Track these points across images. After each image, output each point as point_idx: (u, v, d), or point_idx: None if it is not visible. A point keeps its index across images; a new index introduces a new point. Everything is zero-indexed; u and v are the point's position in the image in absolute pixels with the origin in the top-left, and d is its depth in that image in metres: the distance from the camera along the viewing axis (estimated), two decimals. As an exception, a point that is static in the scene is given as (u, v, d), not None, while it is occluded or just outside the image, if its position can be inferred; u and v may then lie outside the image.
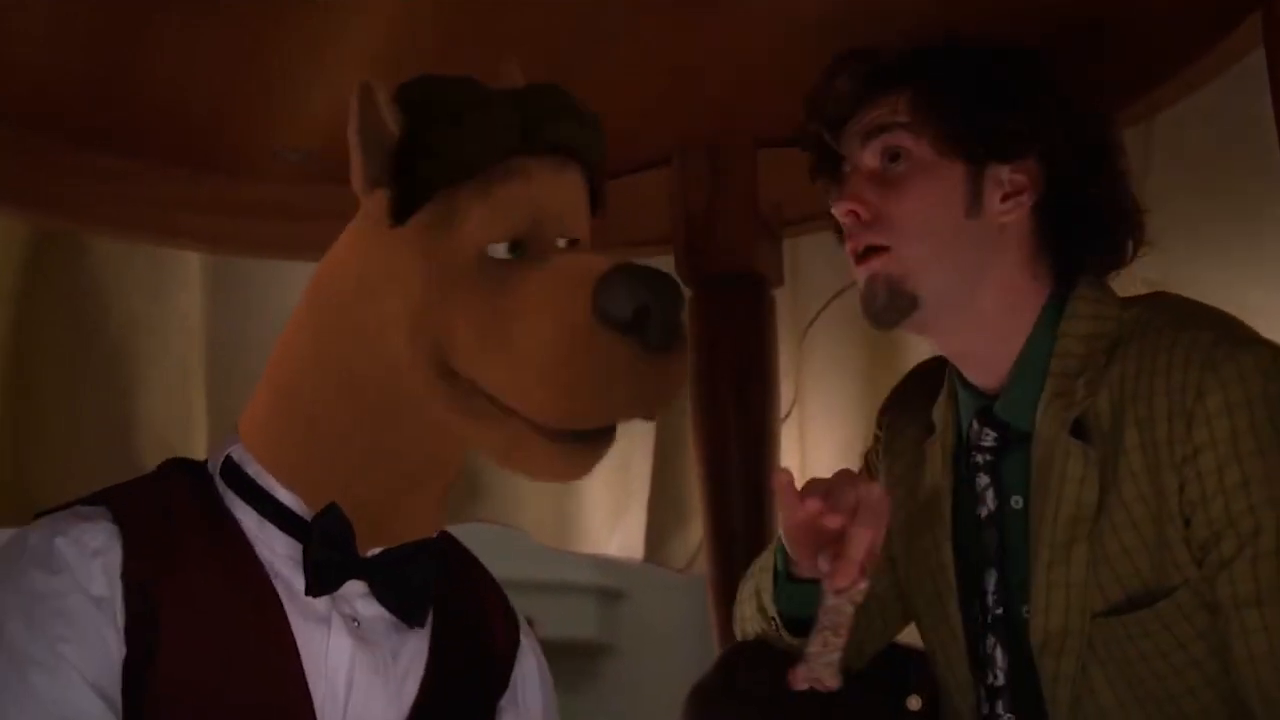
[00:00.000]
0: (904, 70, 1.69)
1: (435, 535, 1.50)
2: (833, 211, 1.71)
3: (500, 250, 1.38)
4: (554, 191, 1.43)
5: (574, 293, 1.31)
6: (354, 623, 1.44)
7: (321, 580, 1.43)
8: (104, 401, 2.57)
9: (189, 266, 2.68)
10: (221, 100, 2.06)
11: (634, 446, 2.96)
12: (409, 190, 1.38)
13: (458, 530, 1.61)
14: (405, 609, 1.47)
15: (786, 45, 1.91)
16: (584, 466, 1.36)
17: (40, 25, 1.86)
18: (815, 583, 1.66)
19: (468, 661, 1.54)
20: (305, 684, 1.41)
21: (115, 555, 1.39)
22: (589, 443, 1.34)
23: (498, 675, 1.58)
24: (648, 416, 1.34)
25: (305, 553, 1.43)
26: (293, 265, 2.51)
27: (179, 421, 2.61)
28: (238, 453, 1.48)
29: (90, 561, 1.38)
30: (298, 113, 2.08)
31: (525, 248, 1.39)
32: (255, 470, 1.46)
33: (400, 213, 1.38)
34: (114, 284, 2.59)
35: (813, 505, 1.52)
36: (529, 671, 1.60)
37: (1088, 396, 1.62)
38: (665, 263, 2.49)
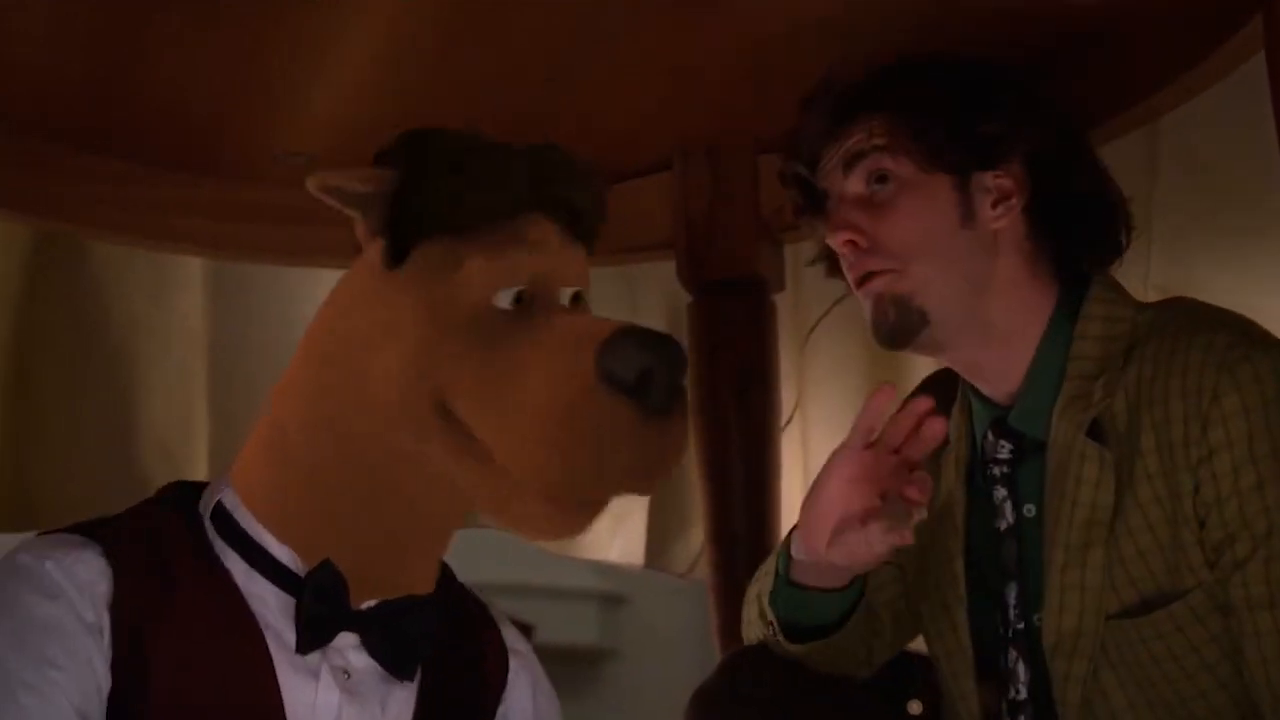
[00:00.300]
0: (872, 94, 1.70)
1: (434, 588, 1.49)
2: (829, 243, 1.71)
3: (504, 301, 1.38)
4: (561, 248, 1.45)
5: (578, 352, 1.31)
6: (344, 675, 1.43)
7: (313, 636, 1.42)
8: (104, 404, 2.56)
9: (190, 270, 2.68)
10: (222, 103, 2.06)
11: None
12: (403, 234, 1.39)
13: (461, 536, 1.60)
14: (397, 663, 1.45)
15: (788, 49, 1.91)
16: (577, 529, 1.36)
17: (40, 28, 1.86)
18: (814, 590, 1.66)
19: (458, 706, 1.53)
20: None
21: (105, 590, 1.38)
22: (587, 507, 1.34)
23: (488, 712, 1.57)
24: (645, 488, 1.33)
25: (297, 609, 1.42)
26: (294, 269, 2.51)
27: (179, 425, 2.61)
28: (229, 499, 1.46)
29: (81, 592, 1.37)
30: (298, 116, 2.08)
31: (530, 302, 1.39)
32: (247, 520, 1.45)
33: (394, 256, 1.39)
34: (115, 287, 2.59)
35: (924, 403, 1.57)
36: (518, 691, 1.59)
37: (1105, 398, 1.62)
38: (666, 268, 2.49)
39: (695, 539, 2.85)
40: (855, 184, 1.69)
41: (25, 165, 2.15)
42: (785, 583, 1.70)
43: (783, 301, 2.47)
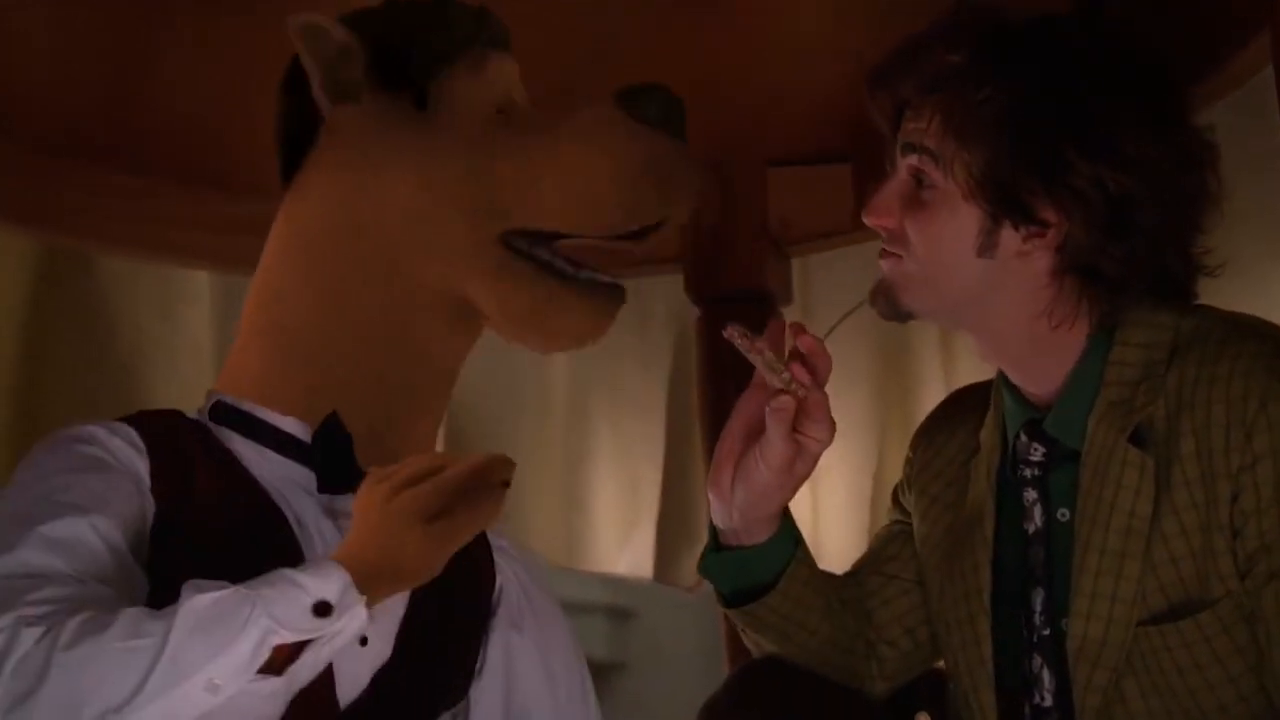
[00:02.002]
0: (940, 88, 1.64)
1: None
2: (864, 217, 1.69)
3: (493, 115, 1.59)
4: (513, 69, 1.65)
5: (601, 112, 1.55)
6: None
7: (329, 480, 1.51)
8: (112, 417, 2.56)
9: (197, 284, 2.68)
10: (229, 118, 2.06)
11: (643, 465, 2.96)
12: (424, 74, 1.58)
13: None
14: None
15: (797, 65, 1.91)
16: (605, 320, 1.59)
17: (49, 44, 1.87)
18: (740, 548, 1.68)
19: (453, 593, 1.56)
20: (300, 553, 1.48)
21: (144, 453, 1.49)
22: (614, 295, 1.61)
23: (483, 603, 1.63)
24: (695, 203, 1.57)
25: (311, 453, 1.51)
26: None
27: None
28: (226, 399, 1.57)
29: (124, 445, 1.49)
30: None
31: (509, 112, 1.61)
32: (250, 406, 1.55)
33: (421, 99, 1.58)
34: (123, 302, 2.59)
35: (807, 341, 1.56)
36: (510, 585, 1.66)
37: (1148, 404, 1.60)
38: (675, 281, 2.49)
39: (703, 553, 2.86)
40: (904, 170, 1.67)
41: (33, 180, 2.16)
42: (714, 550, 1.70)
43: (791, 314, 2.47)
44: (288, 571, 1.31)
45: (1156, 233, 1.59)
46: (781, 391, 1.54)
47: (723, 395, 2.40)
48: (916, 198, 1.64)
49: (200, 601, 1.27)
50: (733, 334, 1.53)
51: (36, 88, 1.99)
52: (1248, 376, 1.54)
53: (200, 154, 2.16)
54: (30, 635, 1.26)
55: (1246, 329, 1.60)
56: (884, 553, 1.83)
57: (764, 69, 1.96)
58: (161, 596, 1.36)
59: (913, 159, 1.64)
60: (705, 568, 1.73)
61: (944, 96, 1.61)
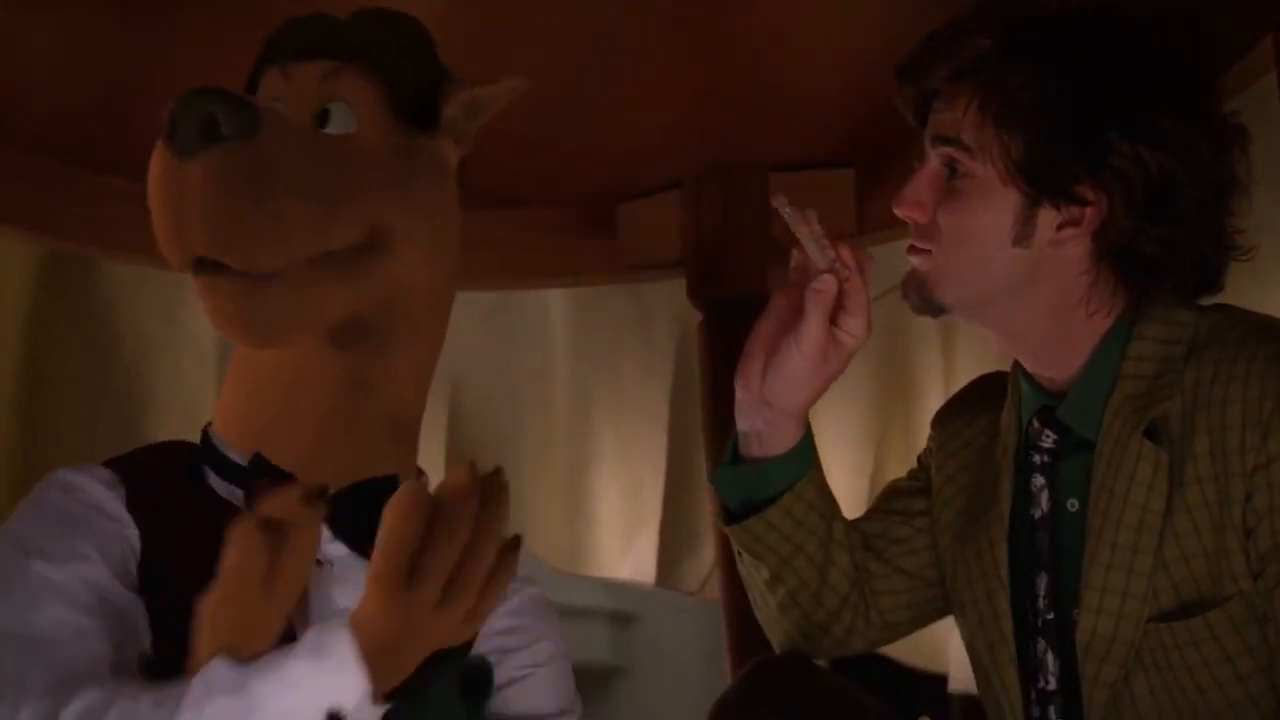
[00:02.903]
0: (973, 75, 1.64)
1: (395, 474, 1.53)
2: (894, 209, 1.69)
3: None
4: (292, 75, 1.54)
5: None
6: (320, 565, 1.48)
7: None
8: (117, 425, 2.57)
9: (201, 290, 2.68)
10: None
11: (645, 470, 2.96)
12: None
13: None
14: (364, 544, 1.48)
15: (799, 70, 1.92)
16: (221, 301, 1.43)
17: (52, 50, 1.87)
18: (760, 460, 1.68)
19: None
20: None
21: (121, 494, 1.48)
22: (205, 273, 1.41)
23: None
24: (200, 237, 1.38)
25: (244, 500, 1.49)
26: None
27: (191, 444, 2.61)
28: (211, 429, 1.57)
29: (104, 490, 1.48)
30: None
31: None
32: (216, 438, 1.54)
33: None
34: (127, 308, 2.60)
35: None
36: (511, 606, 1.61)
37: (1164, 399, 1.60)
38: (677, 286, 2.50)
39: (706, 557, 2.86)
40: (935, 161, 1.67)
41: (37, 185, 2.16)
42: (731, 460, 1.70)
43: (794, 319, 2.47)
44: (304, 665, 1.26)
45: (1193, 214, 1.60)
46: (823, 273, 1.54)
47: (726, 399, 2.40)
48: (950, 187, 1.64)
49: (212, 676, 1.27)
50: (781, 203, 1.52)
51: (40, 92, 2.00)
52: (1264, 378, 1.55)
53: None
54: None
55: (1265, 330, 1.60)
56: (909, 505, 1.84)
57: (766, 74, 1.96)
58: (156, 619, 1.41)
59: (945, 149, 1.64)
60: (719, 479, 1.73)
61: (979, 82, 1.62)
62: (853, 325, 1.57)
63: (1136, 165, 1.58)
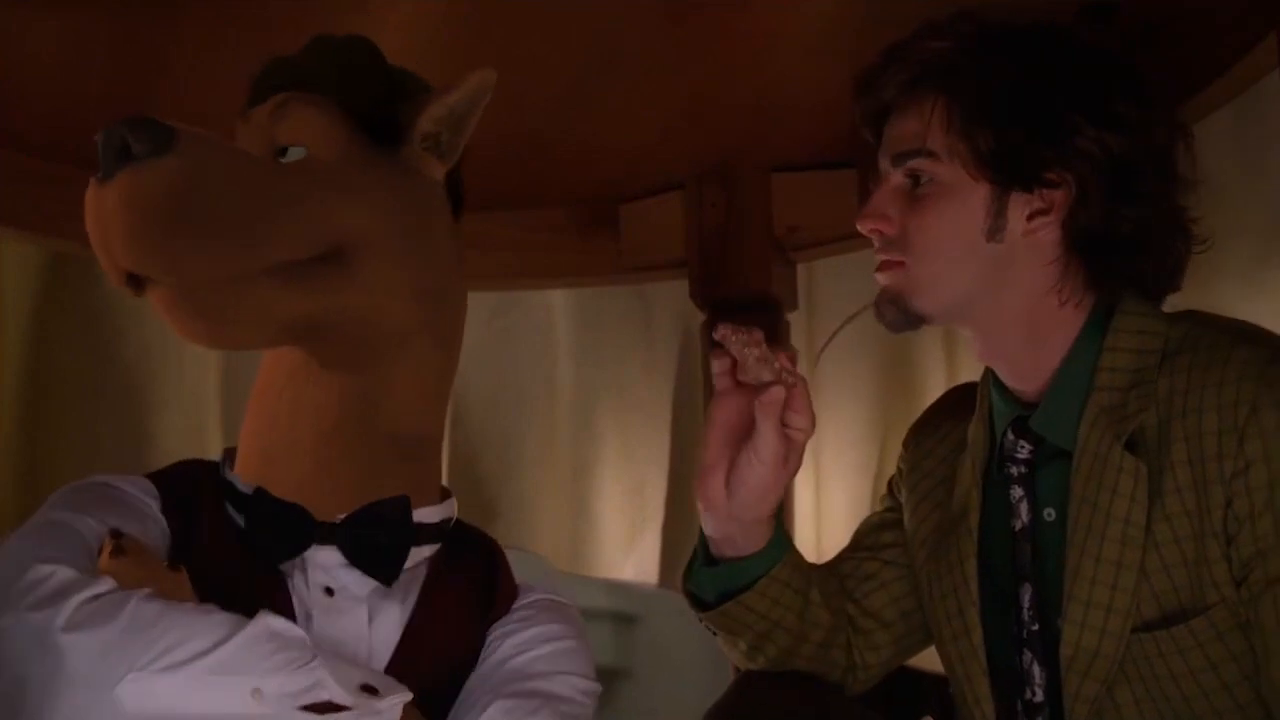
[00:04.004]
0: (935, 76, 1.67)
1: (418, 496, 1.55)
2: (858, 226, 1.70)
3: None
4: (252, 119, 1.58)
5: None
6: (326, 592, 1.49)
7: (271, 553, 1.50)
8: (119, 427, 2.57)
9: (204, 294, 2.68)
10: (236, 127, 2.06)
11: (648, 471, 2.96)
12: None
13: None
14: (375, 566, 1.51)
15: (801, 71, 1.92)
16: (163, 309, 1.45)
17: (55, 52, 1.87)
18: (733, 560, 1.68)
19: (455, 628, 1.56)
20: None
21: (158, 501, 1.52)
22: (134, 286, 1.45)
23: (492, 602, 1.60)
24: (126, 253, 1.41)
25: (249, 532, 1.51)
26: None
27: (193, 445, 2.62)
28: (230, 459, 1.58)
29: (142, 494, 1.51)
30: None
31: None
32: (229, 472, 1.56)
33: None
34: (129, 310, 2.60)
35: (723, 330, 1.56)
36: (517, 626, 1.60)
37: (1141, 410, 1.61)
38: (679, 286, 2.50)
39: (709, 558, 2.86)
40: (897, 176, 1.68)
41: (40, 187, 2.16)
42: (704, 563, 1.71)
43: (795, 320, 2.47)
44: None
45: (1153, 198, 1.63)
46: (769, 385, 1.55)
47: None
48: (915, 197, 1.65)
49: (276, 623, 1.35)
50: (726, 334, 1.54)
51: (43, 95, 2.00)
52: (1238, 383, 1.55)
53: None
54: (105, 584, 1.34)
55: (1236, 335, 1.61)
56: (877, 539, 1.84)
57: (767, 74, 1.96)
58: None
59: (910, 163, 1.65)
60: (695, 582, 1.73)
61: (943, 83, 1.64)
62: (801, 422, 1.57)
63: (1100, 148, 1.61)
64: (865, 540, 1.85)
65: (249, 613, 1.37)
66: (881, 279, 1.67)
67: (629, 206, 2.45)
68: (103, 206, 1.40)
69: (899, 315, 1.67)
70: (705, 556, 1.71)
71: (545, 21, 1.74)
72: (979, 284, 1.65)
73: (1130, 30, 1.82)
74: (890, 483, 1.90)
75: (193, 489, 1.55)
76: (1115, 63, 1.65)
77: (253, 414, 1.56)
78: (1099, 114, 1.61)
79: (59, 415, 2.53)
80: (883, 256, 1.66)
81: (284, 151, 1.52)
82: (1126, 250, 1.64)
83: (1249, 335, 1.61)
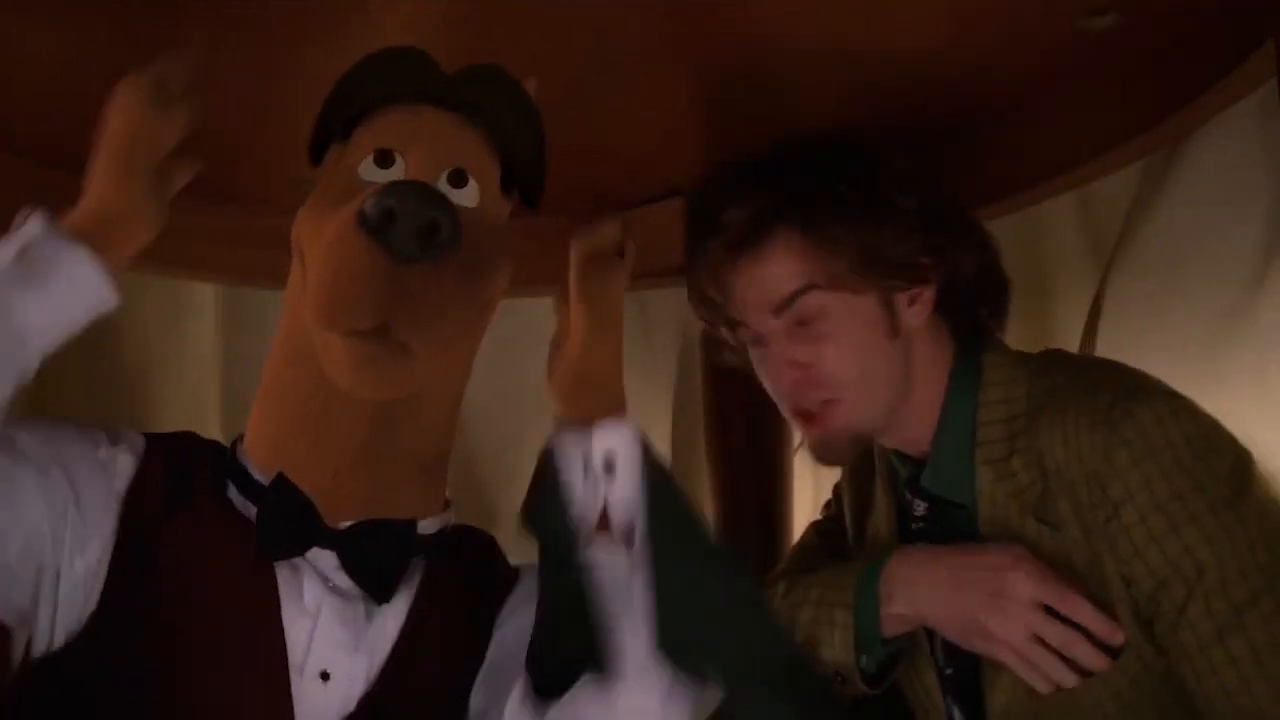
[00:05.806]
0: (772, 215, 1.71)
1: (424, 514, 1.57)
2: (765, 385, 1.73)
3: (369, 168, 1.51)
4: (435, 129, 1.54)
5: (353, 199, 1.42)
6: (326, 587, 1.50)
7: (277, 546, 1.49)
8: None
9: (203, 296, 2.69)
10: (237, 130, 2.06)
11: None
12: (315, 138, 1.58)
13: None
14: (371, 583, 1.51)
15: (800, 74, 1.92)
16: (369, 366, 1.43)
17: (54, 55, 1.87)
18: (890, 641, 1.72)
19: (453, 628, 1.56)
20: (280, 620, 1.47)
21: (129, 468, 1.51)
22: (367, 341, 1.41)
23: (486, 629, 1.60)
24: (389, 323, 1.40)
25: (258, 519, 1.50)
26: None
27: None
28: (239, 446, 1.59)
29: (112, 448, 1.52)
30: (313, 142, 2.08)
31: (393, 165, 1.51)
32: (243, 456, 1.56)
33: (312, 152, 1.59)
34: (129, 314, 2.60)
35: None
36: (522, 607, 1.61)
37: (1033, 482, 1.64)
38: (679, 293, 2.50)
39: (708, 565, 2.85)
40: (787, 320, 1.71)
41: (38, 192, 2.16)
42: (879, 642, 1.74)
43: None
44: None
45: (971, 235, 1.77)
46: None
47: (726, 406, 2.40)
48: (815, 335, 1.68)
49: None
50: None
51: (42, 100, 2.00)
52: (1091, 430, 1.60)
53: (208, 166, 2.16)
54: None
55: (1081, 383, 1.67)
56: (828, 545, 1.93)
57: (766, 78, 1.97)
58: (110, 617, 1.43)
59: (795, 308, 1.70)
60: (861, 659, 1.77)
61: (782, 218, 1.71)
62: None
63: (935, 216, 1.71)
64: (819, 547, 1.93)
65: (233, 599, 1.38)
66: (822, 426, 1.69)
67: (629, 213, 2.44)
68: (400, 286, 1.39)
69: (849, 447, 1.72)
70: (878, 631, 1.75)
71: (545, 21, 1.75)
72: (899, 381, 1.72)
73: (1117, 44, 1.84)
74: (836, 489, 1.93)
75: (192, 462, 1.55)
76: (887, 143, 1.76)
77: (270, 408, 1.56)
78: (918, 188, 1.72)
79: (59, 415, 2.53)
80: (812, 407, 1.69)
81: (461, 175, 1.53)
82: (982, 296, 1.76)
83: (1091, 381, 1.66)
